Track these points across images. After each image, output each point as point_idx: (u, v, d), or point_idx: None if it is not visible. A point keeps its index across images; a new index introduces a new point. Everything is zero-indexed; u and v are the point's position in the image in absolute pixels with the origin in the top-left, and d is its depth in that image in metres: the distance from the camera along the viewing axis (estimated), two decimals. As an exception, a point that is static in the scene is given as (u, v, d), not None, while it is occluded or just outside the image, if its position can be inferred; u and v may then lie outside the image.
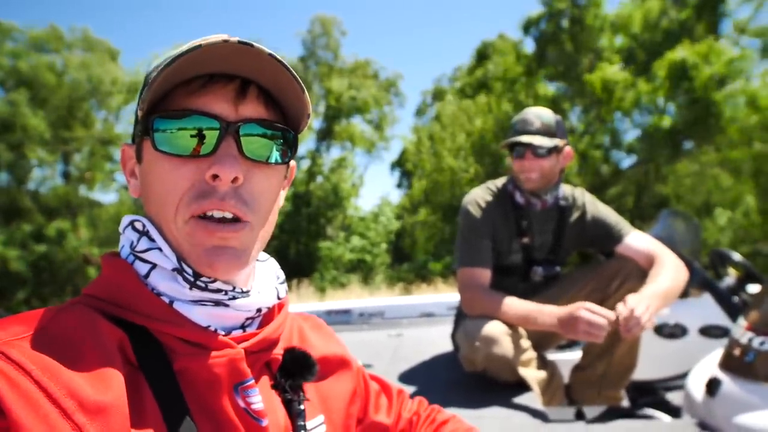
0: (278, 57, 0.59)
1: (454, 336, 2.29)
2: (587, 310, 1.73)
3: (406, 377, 2.21)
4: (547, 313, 1.86)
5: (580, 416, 1.83)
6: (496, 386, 1.96)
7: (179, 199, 0.60)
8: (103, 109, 19.18)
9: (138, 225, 0.65)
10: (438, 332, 2.80)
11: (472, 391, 1.97)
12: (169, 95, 0.61)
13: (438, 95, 23.50)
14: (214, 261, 0.60)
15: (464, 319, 2.09)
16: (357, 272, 19.33)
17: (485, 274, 2.03)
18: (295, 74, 0.61)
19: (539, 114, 2.07)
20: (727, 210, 12.80)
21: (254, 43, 0.57)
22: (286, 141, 0.66)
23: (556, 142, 2.03)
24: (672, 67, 12.46)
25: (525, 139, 2.00)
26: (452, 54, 46.17)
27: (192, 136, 0.59)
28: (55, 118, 17.73)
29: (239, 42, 0.56)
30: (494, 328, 1.92)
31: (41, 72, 17.28)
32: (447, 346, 2.48)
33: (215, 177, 0.59)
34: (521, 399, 1.86)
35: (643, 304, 1.71)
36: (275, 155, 0.64)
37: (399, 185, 24.93)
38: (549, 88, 15.91)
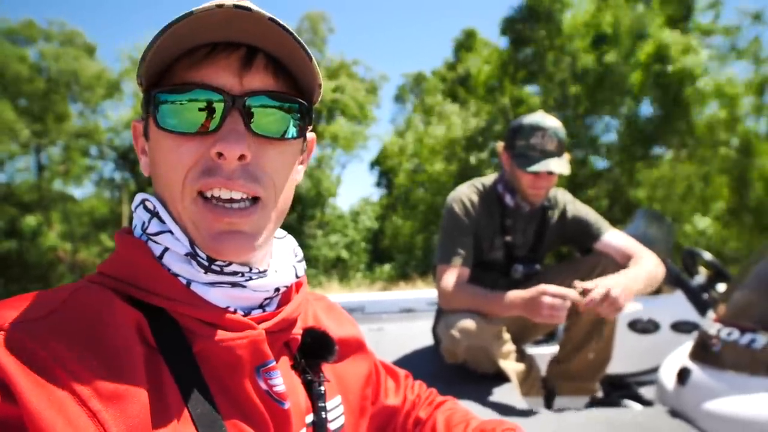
0: (279, 21, 0.55)
1: (435, 329, 2.32)
2: (548, 294, 1.74)
3: None
4: (511, 298, 1.88)
5: (556, 407, 1.88)
6: (476, 377, 2.01)
7: (184, 176, 0.57)
8: (79, 102, 18.74)
9: (149, 204, 0.62)
10: (418, 327, 2.83)
11: (452, 382, 2.01)
12: (172, 68, 0.57)
13: (418, 82, 23.49)
14: (222, 246, 0.57)
15: (445, 313, 2.13)
16: (335, 270, 19.32)
17: (464, 272, 2.05)
18: (300, 41, 0.57)
19: (556, 130, 2.02)
20: (700, 215, 13.17)
21: (252, 7, 0.53)
22: (300, 113, 0.61)
23: (567, 158, 2.06)
24: (653, 51, 12.71)
25: (554, 167, 1.97)
26: (431, 47, 46.73)
27: (196, 111, 0.56)
28: (27, 109, 17.24)
29: (235, 6, 0.52)
30: (475, 322, 1.96)
31: (12, 63, 16.76)
32: (427, 340, 2.52)
33: (220, 155, 0.56)
34: (500, 390, 1.90)
35: (618, 286, 1.71)
36: (290, 129, 0.60)
37: (378, 184, 25.00)
38: (527, 92, 16.11)
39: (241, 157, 0.56)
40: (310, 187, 20.79)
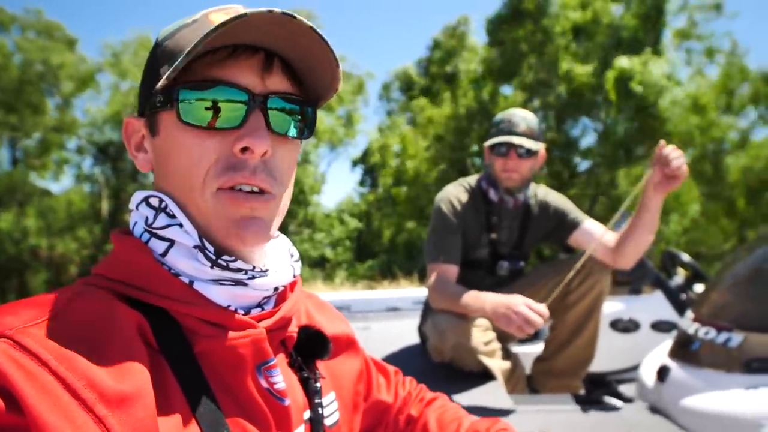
0: (317, 30, 0.57)
1: (421, 328, 2.35)
2: (527, 306, 1.72)
3: None
4: (481, 304, 1.86)
5: (539, 404, 1.92)
6: (462, 375, 2.04)
7: (206, 171, 0.58)
8: (57, 95, 18.26)
9: (154, 201, 0.62)
10: (404, 325, 2.85)
11: (439, 380, 2.04)
12: (191, 65, 0.58)
13: (402, 79, 23.32)
14: (243, 232, 0.59)
15: (432, 311, 2.16)
16: (319, 269, 19.26)
17: (451, 271, 2.09)
18: (332, 48, 0.59)
19: (525, 117, 2.11)
20: (678, 215, 13.49)
21: (297, 16, 0.55)
22: (308, 116, 0.65)
23: (539, 146, 2.11)
24: (618, 78, 12.97)
25: (516, 140, 2.03)
26: (418, 44, 47.10)
27: (222, 107, 0.58)
28: (1, 101, 16.74)
29: (283, 13, 0.54)
30: (461, 320, 1.99)
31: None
32: (413, 339, 2.54)
33: (245, 150, 0.58)
34: (486, 388, 1.94)
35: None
36: (297, 130, 0.64)
37: (362, 183, 24.92)
38: (509, 93, 16.26)
39: (264, 153, 0.59)
40: (294, 185, 20.64)
